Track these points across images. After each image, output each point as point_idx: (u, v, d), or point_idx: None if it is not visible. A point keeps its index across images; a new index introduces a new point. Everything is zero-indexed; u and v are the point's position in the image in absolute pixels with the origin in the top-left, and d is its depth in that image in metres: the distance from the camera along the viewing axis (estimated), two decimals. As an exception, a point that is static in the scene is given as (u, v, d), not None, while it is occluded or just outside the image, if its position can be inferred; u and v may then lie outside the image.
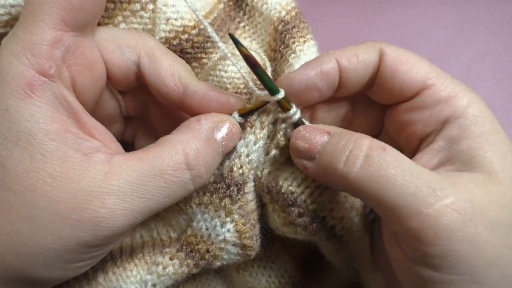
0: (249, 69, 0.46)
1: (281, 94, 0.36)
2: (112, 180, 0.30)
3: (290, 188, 0.37)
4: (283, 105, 0.37)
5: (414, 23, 0.69)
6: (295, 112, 0.37)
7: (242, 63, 0.45)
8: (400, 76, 0.35)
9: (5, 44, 0.30)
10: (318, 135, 0.35)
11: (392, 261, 0.35)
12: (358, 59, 0.35)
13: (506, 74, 0.67)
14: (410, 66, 0.35)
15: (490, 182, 0.31)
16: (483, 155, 0.32)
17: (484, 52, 0.68)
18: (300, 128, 0.36)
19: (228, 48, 0.39)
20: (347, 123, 0.42)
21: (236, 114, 0.37)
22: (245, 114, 0.38)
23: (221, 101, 0.37)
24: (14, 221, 0.28)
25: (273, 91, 0.36)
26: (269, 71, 0.46)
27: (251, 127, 0.38)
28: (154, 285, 0.40)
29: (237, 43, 0.36)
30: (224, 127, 0.36)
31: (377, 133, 0.42)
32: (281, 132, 0.38)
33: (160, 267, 0.39)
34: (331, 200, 0.37)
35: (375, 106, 0.40)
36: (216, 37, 0.37)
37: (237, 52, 0.46)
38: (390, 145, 0.33)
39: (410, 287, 0.33)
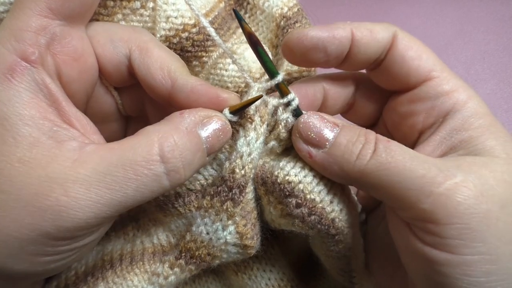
0: (248, 67, 0.45)
1: (280, 77, 0.35)
2: (79, 168, 0.28)
3: (287, 177, 0.35)
4: (282, 90, 0.36)
5: (414, 23, 0.69)
6: (294, 98, 0.36)
7: (242, 62, 0.45)
8: (408, 62, 0.35)
9: None
10: (328, 126, 0.35)
11: (403, 255, 0.35)
12: (372, 35, 0.35)
13: (506, 74, 0.67)
14: (419, 54, 0.35)
15: (494, 163, 0.31)
16: (485, 142, 0.33)
17: (484, 52, 0.68)
18: (310, 115, 0.36)
19: (227, 46, 0.39)
20: (348, 108, 0.42)
21: (226, 111, 0.35)
22: (237, 111, 0.35)
23: (210, 96, 0.34)
24: None
25: (272, 74, 0.35)
26: None
27: (251, 123, 0.36)
28: None
29: (240, 19, 0.35)
30: (210, 123, 0.33)
31: (373, 124, 0.43)
32: (282, 124, 0.36)
33: (162, 277, 0.38)
34: (329, 192, 0.36)
35: (376, 95, 0.40)
36: (214, 34, 0.36)
37: (238, 51, 0.46)
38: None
39: (423, 278, 0.33)
